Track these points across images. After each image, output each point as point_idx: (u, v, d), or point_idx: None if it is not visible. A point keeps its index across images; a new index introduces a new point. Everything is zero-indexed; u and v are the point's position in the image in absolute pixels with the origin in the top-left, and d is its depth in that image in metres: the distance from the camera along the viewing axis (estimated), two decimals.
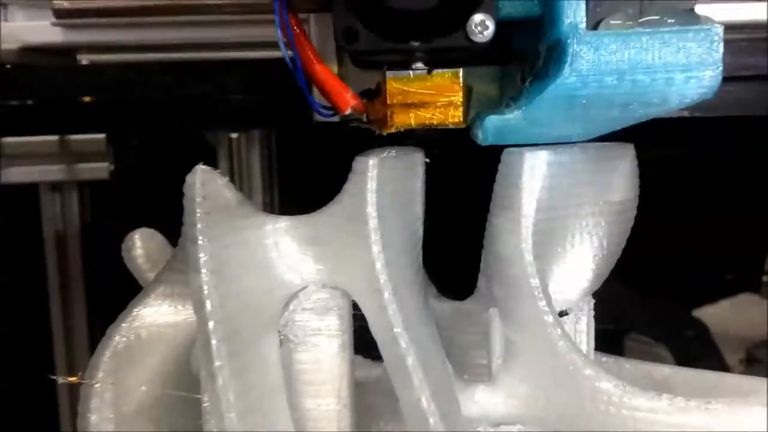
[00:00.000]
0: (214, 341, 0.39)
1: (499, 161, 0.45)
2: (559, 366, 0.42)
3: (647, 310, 0.96)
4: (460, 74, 0.43)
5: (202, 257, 0.40)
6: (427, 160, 0.46)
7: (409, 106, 0.43)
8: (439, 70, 0.43)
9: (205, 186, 0.42)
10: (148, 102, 0.83)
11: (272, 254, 0.43)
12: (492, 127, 0.42)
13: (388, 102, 0.43)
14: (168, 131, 0.92)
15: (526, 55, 0.44)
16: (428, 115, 0.43)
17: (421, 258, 0.47)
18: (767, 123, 0.67)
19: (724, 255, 1.04)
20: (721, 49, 0.38)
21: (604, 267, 0.46)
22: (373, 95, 0.45)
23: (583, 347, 0.46)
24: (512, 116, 0.41)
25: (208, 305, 0.39)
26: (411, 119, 0.43)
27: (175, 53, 0.76)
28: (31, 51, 0.73)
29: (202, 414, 0.40)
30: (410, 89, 0.42)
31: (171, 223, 0.44)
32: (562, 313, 0.45)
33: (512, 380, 0.44)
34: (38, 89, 0.78)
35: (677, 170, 1.00)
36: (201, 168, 0.42)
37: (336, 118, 0.46)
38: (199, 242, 0.40)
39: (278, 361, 0.42)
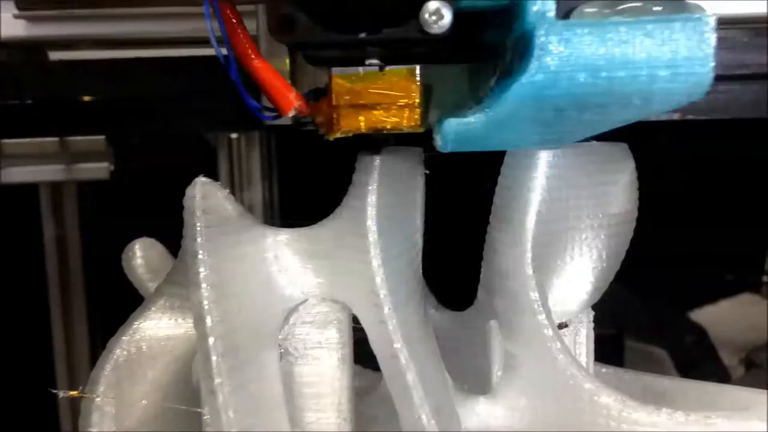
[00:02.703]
0: (214, 357, 0.39)
1: (499, 173, 0.45)
2: (558, 380, 0.42)
3: (646, 314, 0.96)
4: (417, 71, 0.38)
5: (203, 272, 0.40)
6: (427, 172, 0.46)
7: (358, 107, 0.39)
8: (393, 67, 0.38)
9: (206, 199, 0.42)
10: (148, 102, 0.83)
11: (272, 268, 0.43)
12: (452, 132, 0.37)
13: (334, 103, 0.38)
14: (168, 131, 0.92)
15: (496, 52, 0.39)
16: (381, 118, 0.39)
17: (420, 270, 0.47)
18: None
19: (724, 255, 1.04)
20: (713, 43, 0.33)
21: (604, 279, 0.46)
22: (322, 95, 0.41)
23: (583, 359, 0.46)
24: (474, 120, 0.37)
25: (209, 321, 0.39)
26: (360, 122, 0.39)
27: (151, 49, 0.75)
28: None
29: (203, 427, 0.40)
30: (360, 88, 0.38)
31: (171, 224, 0.44)
32: (561, 325, 0.45)
33: (512, 393, 0.44)
34: (34, 89, 0.78)
35: (677, 170, 1.00)
36: (201, 180, 0.42)
37: (287, 121, 0.42)
38: (199, 256, 0.40)
39: (278, 375, 0.42)
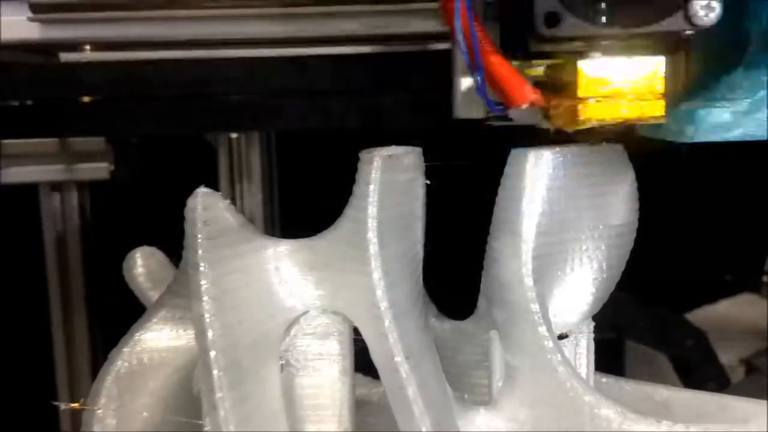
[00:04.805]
0: (215, 371, 0.39)
1: (499, 183, 0.45)
2: (559, 392, 0.42)
3: (646, 318, 0.96)
4: (663, 63, 0.40)
5: (204, 284, 0.40)
6: (428, 182, 0.46)
7: (602, 98, 0.40)
8: (640, 58, 0.39)
9: (207, 210, 0.42)
10: (148, 102, 0.83)
11: (273, 279, 0.43)
12: (708, 121, 0.40)
13: (580, 94, 0.39)
14: (168, 131, 0.92)
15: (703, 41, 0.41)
16: (624, 109, 0.40)
17: (421, 281, 0.47)
18: None
19: (724, 255, 1.04)
20: None
21: (604, 290, 0.46)
22: (545, 89, 0.42)
23: (583, 369, 0.46)
24: (735, 110, 0.39)
25: (210, 334, 0.39)
26: (605, 113, 0.40)
27: (161, 51, 0.75)
28: (9, 48, 0.71)
29: None
30: (605, 79, 0.39)
31: (171, 224, 0.44)
32: (561, 336, 0.45)
33: (512, 404, 0.44)
34: (34, 89, 0.78)
35: (677, 170, 1.00)
36: (202, 191, 0.42)
37: (478, 114, 0.44)
38: (201, 269, 0.41)
39: (279, 387, 0.42)
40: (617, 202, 0.45)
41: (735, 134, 0.40)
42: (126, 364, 0.44)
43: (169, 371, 0.45)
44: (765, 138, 0.41)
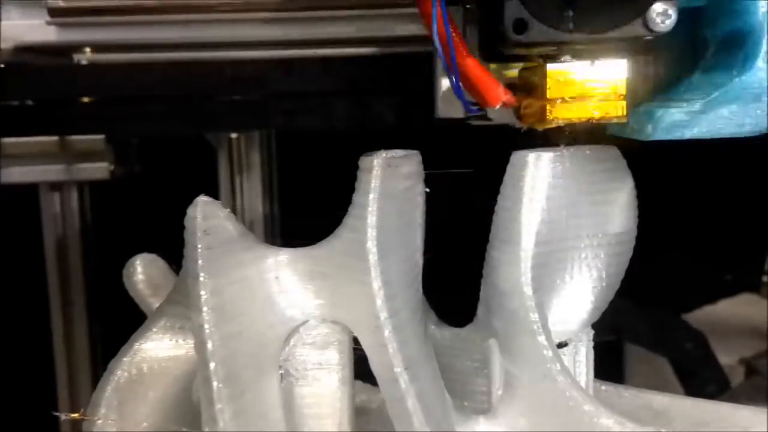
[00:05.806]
0: (215, 383, 0.39)
1: (497, 191, 0.45)
2: (558, 401, 0.42)
3: (645, 321, 0.96)
4: (625, 65, 0.42)
5: (204, 295, 0.40)
6: (427, 190, 0.46)
7: (569, 99, 0.42)
8: (603, 61, 0.42)
9: (207, 220, 0.42)
10: (148, 102, 0.83)
11: (273, 289, 0.43)
12: (667, 120, 0.42)
13: (549, 95, 0.42)
14: (168, 131, 0.92)
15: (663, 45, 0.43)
16: (590, 108, 0.42)
17: (420, 289, 0.47)
18: None
19: (724, 255, 1.04)
20: None
21: (603, 298, 0.46)
22: (518, 90, 0.44)
23: (583, 377, 0.46)
24: (690, 110, 0.41)
25: (210, 345, 0.39)
26: (572, 112, 0.42)
27: (171, 53, 0.76)
28: (26, 50, 0.73)
29: None
30: (572, 81, 0.42)
31: (171, 224, 0.44)
32: (561, 345, 0.45)
33: (512, 413, 0.44)
34: (34, 88, 0.78)
35: (677, 170, 0.99)
36: (202, 200, 0.42)
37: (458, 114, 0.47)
38: (201, 279, 0.41)
39: (279, 398, 0.42)
40: (616, 210, 0.45)
41: (690, 133, 0.42)
42: (126, 373, 0.44)
43: (169, 381, 0.45)
44: (718, 137, 0.42)
